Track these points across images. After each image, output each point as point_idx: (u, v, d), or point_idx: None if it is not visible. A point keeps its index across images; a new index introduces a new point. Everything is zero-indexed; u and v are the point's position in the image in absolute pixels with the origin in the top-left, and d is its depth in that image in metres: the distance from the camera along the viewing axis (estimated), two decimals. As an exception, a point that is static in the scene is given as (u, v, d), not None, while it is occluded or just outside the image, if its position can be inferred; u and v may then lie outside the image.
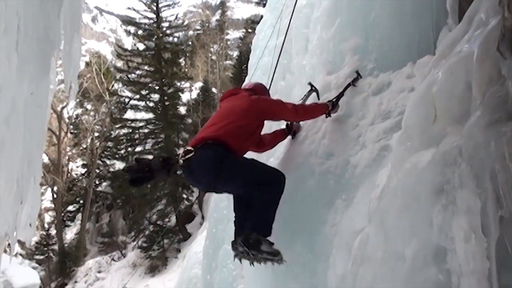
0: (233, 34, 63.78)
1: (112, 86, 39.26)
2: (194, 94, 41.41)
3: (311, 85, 6.04)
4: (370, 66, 5.65)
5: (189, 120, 34.94)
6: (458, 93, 2.90)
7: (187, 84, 38.17)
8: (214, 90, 43.25)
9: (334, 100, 5.37)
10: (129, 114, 33.65)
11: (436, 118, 3.08)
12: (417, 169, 2.92)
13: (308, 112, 5.31)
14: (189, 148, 4.59)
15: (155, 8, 32.37)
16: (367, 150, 4.67)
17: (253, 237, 4.24)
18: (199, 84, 43.15)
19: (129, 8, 32.32)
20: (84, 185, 36.03)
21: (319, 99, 5.90)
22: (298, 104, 5.37)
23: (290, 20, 7.39)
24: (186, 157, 4.51)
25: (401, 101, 4.78)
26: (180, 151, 4.83)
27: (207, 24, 53.48)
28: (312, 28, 7.39)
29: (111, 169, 33.71)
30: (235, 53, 51.27)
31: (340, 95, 5.45)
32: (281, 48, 7.47)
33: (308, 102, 5.94)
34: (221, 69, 46.98)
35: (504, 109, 2.46)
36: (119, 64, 37.54)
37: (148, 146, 31.33)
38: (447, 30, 4.88)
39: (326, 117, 5.38)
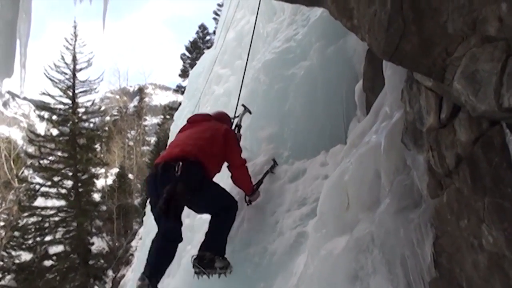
0: (151, 120, 63.82)
1: (22, 173, 37.60)
2: (109, 180, 40.43)
3: (244, 106, 6.24)
4: (285, 154, 5.82)
5: (104, 207, 33.80)
6: (368, 181, 3.04)
7: (103, 170, 37.26)
8: (130, 176, 42.48)
9: (254, 186, 5.45)
10: (39, 202, 32.04)
11: (349, 205, 3.19)
12: (332, 256, 2.97)
13: (247, 174, 5.39)
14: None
15: (71, 94, 31.93)
16: (285, 237, 4.70)
17: (207, 257, 4.75)
18: (115, 170, 42.28)
19: (43, 93, 31.66)
20: (-14, 279, 33.41)
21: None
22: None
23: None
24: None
25: (316, 188, 4.91)
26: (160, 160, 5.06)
27: (124, 110, 53.30)
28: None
29: (17, 261, 31.51)
30: (152, 139, 51.05)
31: (260, 182, 5.54)
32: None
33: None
34: (138, 155, 46.49)
35: (410, 197, 2.60)
36: (31, 149, 36.21)
37: (58, 235, 29.77)
38: (356, 121, 5.15)
39: (248, 205, 5.44)
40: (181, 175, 4.61)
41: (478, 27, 1.70)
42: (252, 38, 7.06)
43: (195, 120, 5.67)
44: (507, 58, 1.60)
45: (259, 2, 7.45)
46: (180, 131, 5.66)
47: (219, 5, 37.15)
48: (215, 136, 5.17)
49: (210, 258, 4.75)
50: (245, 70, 6.72)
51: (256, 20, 7.46)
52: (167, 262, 4.71)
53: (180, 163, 4.69)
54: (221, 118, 5.87)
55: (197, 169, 4.81)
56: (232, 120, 6.15)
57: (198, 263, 4.75)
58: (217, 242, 4.93)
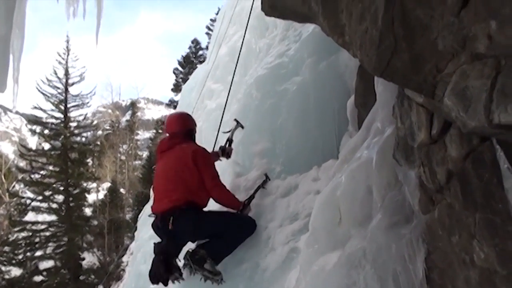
0: (143, 135, 63.72)
1: (13, 187, 37.39)
2: (101, 195, 40.24)
3: (237, 121, 6.22)
4: (278, 169, 5.82)
5: (95, 222, 33.58)
6: (360, 197, 3.05)
7: (94, 185, 37.13)
8: (122, 190, 42.30)
9: (246, 201, 5.44)
10: (30, 216, 31.78)
11: (341, 220, 3.19)
12: (324, 272, 2.96)
13: (224, 194, 5.37)
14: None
15: (63, 108, 31.88)
16: (276, 253, 4.69)
17: (200, 254, 4.86)
18: (106, 185, 42.10)
19: (35, 108, 31.59)
20: (-25, 295, 32.95)
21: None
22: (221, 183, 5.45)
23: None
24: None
25: (308, 203, 4.91)
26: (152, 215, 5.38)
27: (117, 125, 53.18)
28: (222, 131, 7.57)
29: (7, 276, 31.15)
30: (145, 153, 50.88)
31: (251, 197, 5.53)
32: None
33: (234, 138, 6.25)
34: (130, 169, 46.33)
35: (402, 213, 2.60)
36: (22, 164, 36.01)
37: (49, 250, 29.51)
38: (348, 136, 5.17)
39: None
40: (172, 230, 4.93)
41: (468, 44, 1.72)
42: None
43: (163, 150, 5.63)
44: (496, 75, 1.62)
45: (249, 17, 7.51)
46: (157, 163, 5.76)
47: (212, 20, 37.39)
48: (186, 166, 5.22)
49: (202, 256, 4.84)
50: (231, 85, 6.74)
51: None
52: None
53: (172, 218, 4.95)
54: (185, 128, 5.71)
55: (188, 215, 5.01)
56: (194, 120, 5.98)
57: (189, 256, 4.88)
58: (217, 248, 5.00)
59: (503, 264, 1.79)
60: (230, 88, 6.95)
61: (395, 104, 2.72)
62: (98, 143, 41.45)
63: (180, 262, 4.98)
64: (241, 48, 7.36)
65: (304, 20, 4.12)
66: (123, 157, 49.20)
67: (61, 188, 30.37)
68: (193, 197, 5.13)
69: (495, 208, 1.81)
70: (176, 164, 5.29)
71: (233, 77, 7.06)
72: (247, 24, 7.55)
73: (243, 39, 7.56)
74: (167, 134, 5.77)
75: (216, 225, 5.15)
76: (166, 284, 4.87)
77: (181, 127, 5.69)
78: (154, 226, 5.31)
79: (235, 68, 7.20)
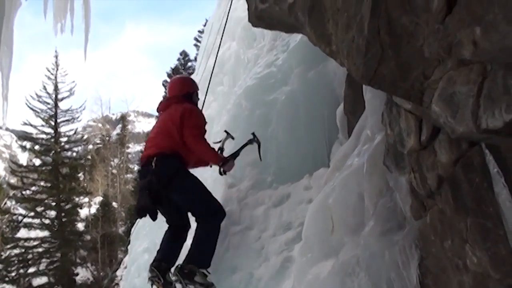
0: (134, 148, 63.42)
1: (5, 204, 37.13)
2: (93, 209, 40.02)
3: (227, 132, 6.13)
4: (269, 179, 5.82)
5: (88, 237, 33.41)
6: (352, 204, 3.05)
7: (86, 199, 36.94)
8: (114, 204, 42.06)
9: (228, 157, 5.52)
10: (22, 233, 31.59)
11: (334, 228, 3.19)
12: (319, 280, 2.96)
13: (203, 145, 5.37)
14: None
15: (53, 124, 31.81)
16: (270, 263, 4.68)
17: (189, 268, 4.84)
18: (98, 199, 41.89)
19: (25, 124, 31.49)
20: (-32, 314, 32.56)
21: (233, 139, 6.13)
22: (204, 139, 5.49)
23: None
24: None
25: (301, 212, 4.90)
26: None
27: (107, 138, 52.96)
28: (212, 141, 7.56)
29: (-1, 294, 30.91)
30: (136, 167, 50.67)
31: (236, 153, 5.61)
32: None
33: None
34: (121, 182, 46.10)
35: (394, 219, 2.61)
36: (13, 180, 35.84)
37: (42, 267, 29.30)
38: (339, 144, 5.18)
39: (221, 174, 5.57)
40: (154, 169, 5.08)
41: (453, 50, 1.73)
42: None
43: (161, 109, 5.82)
44: (483, 80, 1.63)
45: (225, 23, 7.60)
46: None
47: (200, 31, 37.42)
48: (175, 122, 5.31)
49: (191, 270, 4.85)
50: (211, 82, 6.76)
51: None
52: (176, 248, 5.25)
53: (155, 158, 5.15)
54: (182, 92, 5.76)
55: (170, 160, 5.19)
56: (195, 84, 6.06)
57: (178, 271, 4.88)
58: (199, 254, 5.01)
59: (496, 268, 1.80)
60: (205, 96, 7.01)
61: (384, 111, 2.73)
62: (89, 157, 41.35)
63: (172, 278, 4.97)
64: (217, 52, 7.42)
65: (291, 30, 4.13)
66: (114, 171, 48.97)
67: (53, 204, 30.26)
68: (179, 150, 5.27)
69: (486, 212, 1.82)
70: (168, 120, 5.43)
71: (208, 86, 7.13)
72: (223, 33, 7.65)
73: (219, 46, 7.67)
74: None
75: (190, 187, 5.26)
76: (154, 216, 5.01)
77: (178, 91, 5.78)
78: (139, 172, 5.69)
79: (211, 76, 7.29)
